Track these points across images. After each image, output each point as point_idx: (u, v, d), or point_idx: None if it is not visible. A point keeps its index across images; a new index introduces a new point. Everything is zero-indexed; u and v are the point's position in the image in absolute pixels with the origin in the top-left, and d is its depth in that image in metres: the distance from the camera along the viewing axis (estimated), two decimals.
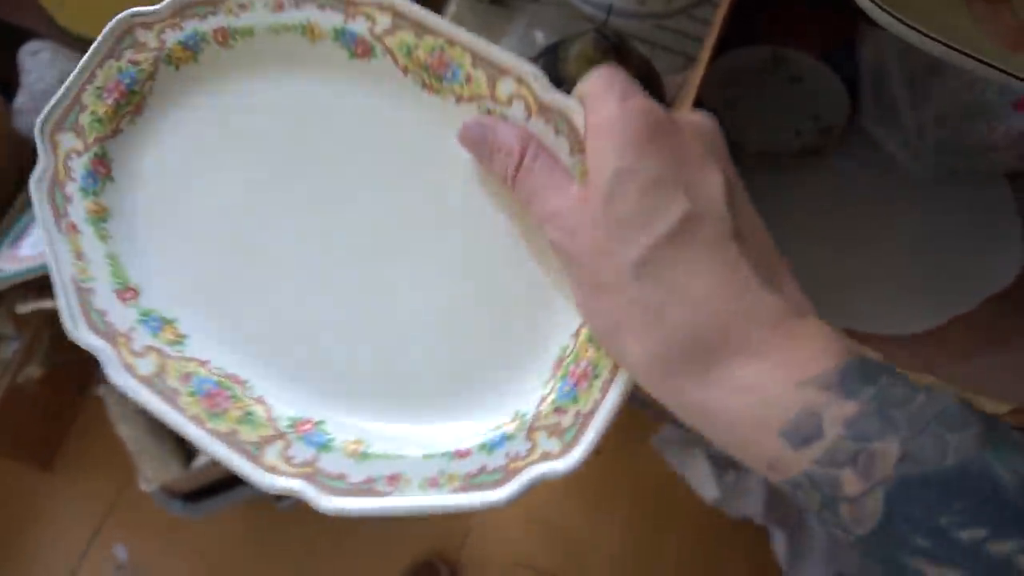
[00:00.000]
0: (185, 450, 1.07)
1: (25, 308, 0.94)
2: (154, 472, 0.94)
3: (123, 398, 1.01)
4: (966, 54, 0.39)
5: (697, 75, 0.66)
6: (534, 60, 0.83)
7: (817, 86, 0.81)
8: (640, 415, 1.26)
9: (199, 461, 1.04)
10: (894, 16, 0.40)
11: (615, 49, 0.76)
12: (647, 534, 1.26)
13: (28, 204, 1.06)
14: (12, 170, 1.08)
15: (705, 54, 0.68)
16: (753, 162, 0.77)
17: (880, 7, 0.40)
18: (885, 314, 0.64)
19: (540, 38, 0.91)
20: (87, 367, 1.26)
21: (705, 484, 1.21)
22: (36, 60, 1.03)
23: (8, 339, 1.07)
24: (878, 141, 0.78)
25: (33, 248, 0.97)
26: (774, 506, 1.16)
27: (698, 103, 0.64)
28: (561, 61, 0.79)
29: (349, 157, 0.38)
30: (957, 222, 0.71)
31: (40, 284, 0.97)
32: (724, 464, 1.21)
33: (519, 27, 0.91)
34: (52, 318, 1.09)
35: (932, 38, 0.39)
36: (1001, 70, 0.39)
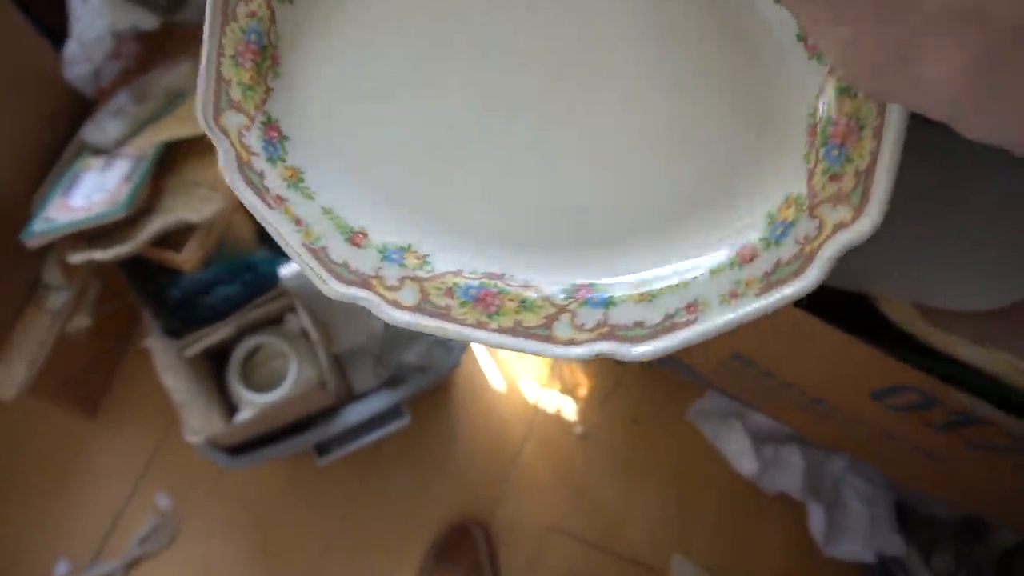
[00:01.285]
0: (228, 404, 1.09)
1: (76, 258, 0.95)
2: (200, 423, 0.96)
3: (170, 350, 1.03)
4: None
5: None
6: None
7: None
8: (679, 383, 1.25)
9: (242, 415, 1.05)
10: None
11: None
12: (682, 505, 1.25)
13: (79, 154, 1.06)
14: (62, 120, 1.08)
15: None
16: None
17: None
18: (957, 288, 0.62)
19: None
20: (133, 316, 1.27)
21: (743, 457, 1.20)
22: (87, 8, 1.02)
23: (58, 289, 1.09)
24: None
25: (85, 199, 0.98)
26: (812, 481, 1.15)
27: None
28: None
29: (523, 29, 0.35)
30: None
31: (90, 235, 0.98)
32: (763, 437, 1.19)
33: None
34: (100, 269, 1.10)
35: None
36: None
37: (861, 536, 1.09)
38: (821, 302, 0.66)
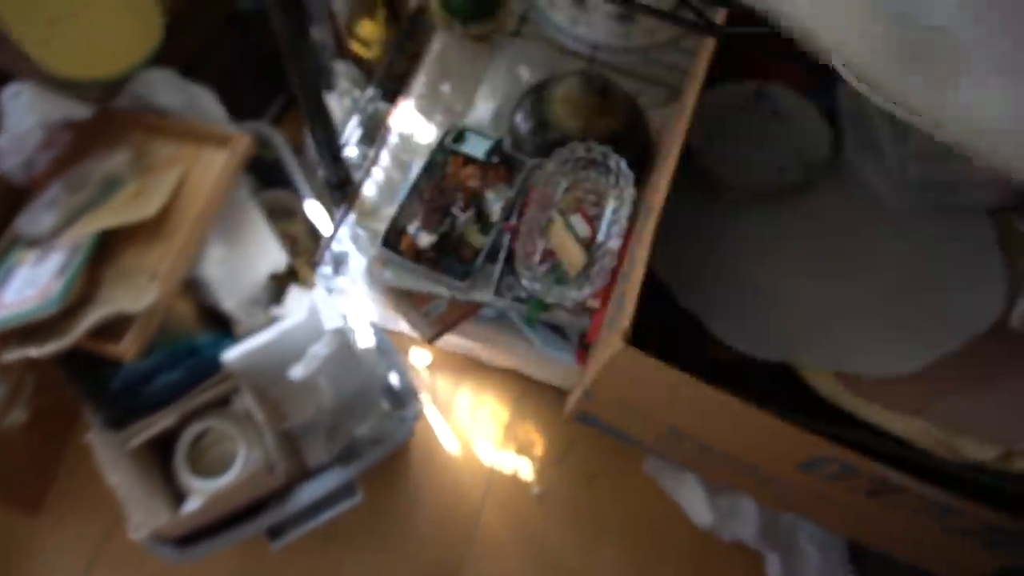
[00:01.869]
0: (175, 493, 1.06)
1: (10, 356, 0.93)
2: (145, 518, 0.93)
3: (112, 443, 1.00)
4: None
5: (685, 114, 0.66)
6: (519, 100, 0.84)
7: (800, 122, 0.82)
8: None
9: (190, 504, 1.03)
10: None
11: (600, 92, 0.77)
12: (642, 559, 1.26)
13: (12, 247, 1.04)
14: None
15: (692, 92, 0.68)
16: (737, 197, 0.78)
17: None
18: (872, 355, 0.65)
19: (525, 74, 0.91)
20: (72, 408, 1.24)
21: (698, 509, 1.21)
22: (17, 102, 1.02)
23: None
24: (860, 176, 0.79)
25: (17, 294, 0.96)
26: (767, 530, 1.16)
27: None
28: (546, 103, 0.80)
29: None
30: (940, 257, 0.72)
31: (24, 330, 0.96)
32: (718, 488, 1.21)
33: (502, 63, 0.92)
34: (36, 360, 1.08)
35: None
36: None
37: None
38: (754, 374, 0.69)
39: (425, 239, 0.70)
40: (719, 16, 0.49)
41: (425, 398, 1.29)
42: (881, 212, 0.77)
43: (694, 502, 1.22)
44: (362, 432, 1.15)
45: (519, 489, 1.28)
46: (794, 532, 1.16)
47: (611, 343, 0.57)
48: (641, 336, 0.80)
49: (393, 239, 0.73)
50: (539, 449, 1.31)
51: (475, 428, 1.32)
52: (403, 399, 1.13)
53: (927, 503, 0.56)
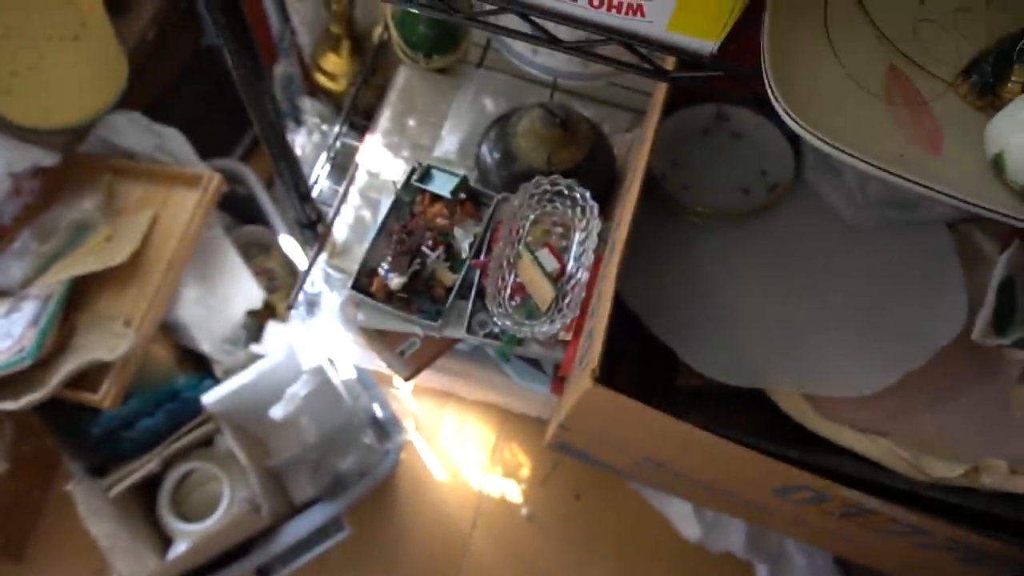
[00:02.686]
0: (162, 539, 1.05)
1: None
2: (129, 568, 0.93)
3: (94, 491, 1.00)
4: (887, 171, 0.41)
5: (646, 145, 0.67)
6: (484, 133, 0.84)
7: (761, 142, 0.83)
8: None
9: (175, 549, 1.02)
10: (811, 133, 0.41)
11: (562, 124, 0.77)
12: (634, 572, 1.26)
13: None
14: None
15: (651, 125, 0.69)
16: (702, 220, 0.79)
17: (797, 123, 0.41)
18: (839, 375, 0.66)
19: (489, 105, 0.92)
20: (54, 453, 1.23)
21: (685, 521, 1.22)
22: None
23: None
24: (822, 195, 0.80)
25: None
26: (755, 541, 1.17)
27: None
28: (510, 136, 0.81)
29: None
30: (902, 272, 0.73)
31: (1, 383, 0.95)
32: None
33: (467, 95, 0.93)
34: (12, 412, 1.07)
35: (851, 155, 0.41)
36: (922, 184, 0.40)
37: None
38: (728, 398, 0.70)
39: (396, 280, 0.71)
40: (668, 62, 0.50)
41: (409, 425, 1.29)
42: (843, 230, 0.78)
43: (682, 516, 1.23)
44: (347, 465, 1.15)
45: (508, 512, 1.29)
46: (782, 541, 1.17)
47: (582, 381, 0.58)
48: (616, 360, 0.81)
49: (363, 281, 0.73)
50: (526, 470, 1.32)
51: (461, 453, 1.32)
52: (388, 430, 1.13)
53: (899, 524, 0.57)
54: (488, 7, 0.48)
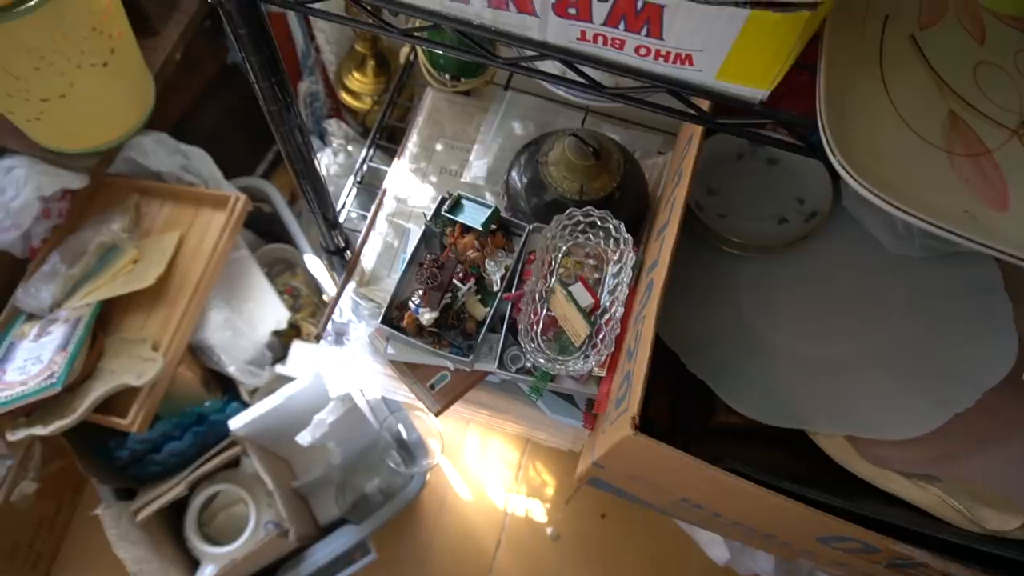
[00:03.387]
0: (189, 560, 1.05)
1: (16, 436, 0.93)
2: None
3: (121, 515, 1.00)
4: (952, 231, 0.39)
5: (685, 178, 0.65)
6: (514, 159, 0.83)
7: (798, 168, 0.81)
8: None
9: (203, 572, 1.02)
10: (878, 195, 0.39)
11: (595, 153, 0.76)
12: None
13: (13, 321, 1.04)
14: None
15: (691, 153, 0.67)
16: (739, 250, 0.77)
17: (861, 184, 0.40)
18: (883, 417, 0.64)
19: (518, 128, 0.91)
20: (80, 475, 1.23)
21: (713, 544, 1.20)
22: (10, 177, 1.02)
23: (1, 458, 1.06)
24: (862, 223, 0.78)
25: (20, 371, 0.95)
26: (785, 564, 1.15)
27: None
28: (540, 164, 0.79)
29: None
30: (947, 306, 0.71)
31: (29, 407, 0.96)
32: None
33: (495, 118, 0.91)
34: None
35: (921, 218, 0.39)
36: (993, 247, 0.38)
37: None
38: (769, 436, 0.68)
39: (427, 316, 0.69)
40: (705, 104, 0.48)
41: (435, 445, 1.28)
42: (885, 260, 0.75)
43: (710, 538, 1.20)
44: (373, 487, 1.15)
45: (533, 531, 1.28)
46: (813, 568, 1.14)
47: (620, 426, 0.57)
48: (650, 394, 0.79)
49: (394, 315, 0.72)
50: (551, 489, 1.31)
51: (486, 472, 1.31)
52: (414, 453, 1.12)
53: None
54: (529, 53, 0.46)
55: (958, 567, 0.53)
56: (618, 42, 0.43)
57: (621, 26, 0.41)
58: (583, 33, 0.43)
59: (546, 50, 0.45)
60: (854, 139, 0.41)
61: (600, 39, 0.43)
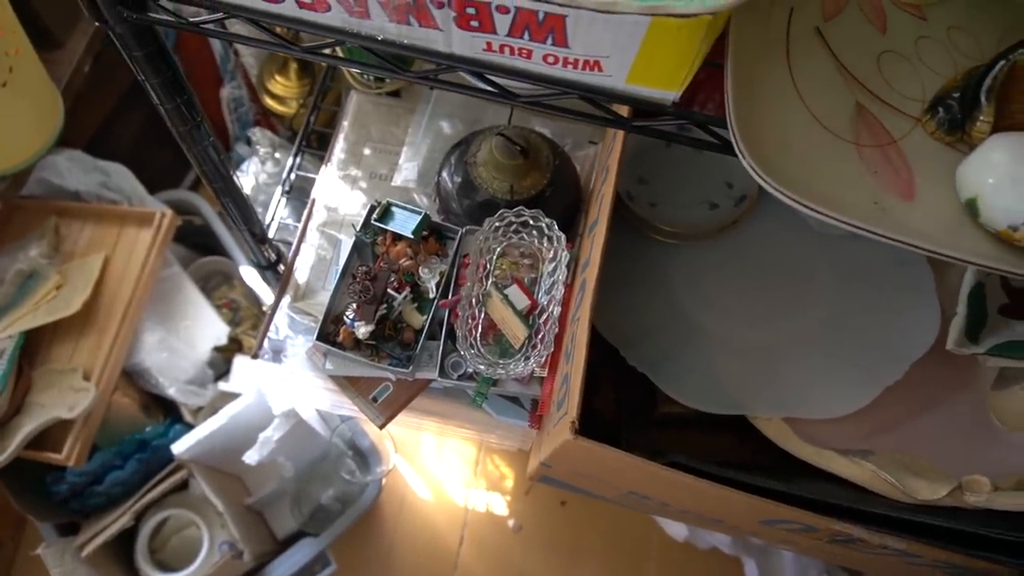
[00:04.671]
0: None
1: None
2: None
3: (65, 552, 0.96)
4: (864, 228, 0.39)
5: (612, 173, 0.65)
6: (443, 160, 0.82)
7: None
8: None
9: None
10: (783, 193, 0.40)
11: (523, 152, 0.75)
12: (624, 573, 1.27)
13: None
14: None
15: (616, 149, 0.67)
16: (671, 239, 0.77)
17: (767, 182, 0.40)
18: (818, 397, 0.65)
19: (446, 128, 0.89)
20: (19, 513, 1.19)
21: (672, 523, 1.22)
22: None
23: None
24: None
25: None
26: (740, 539, 1.18)
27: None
28: (469, 164, 0.78)
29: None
30: (874, 282, 0.73)
31: None
32: None
33: (421, 118, 0.89)
34: None
35: (826, 214, 0.39)
36: (899, 240, 0.39)
37: None
38: (711, 423, 0.69)
39: (363, 330, 0.68)
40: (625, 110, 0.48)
41: (389, 446, 1.27)
42: (813, 240, 0.77)
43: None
44: (328, 497, 1.13)
45: (495, 525, 1.28)
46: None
47: (561, 429, 0.57)
48: (595, 386, 0.79)
49: (329, 330, 0.70)
50: (510, 481, 1.31)
51: (444, 470, 1.31)
52: (367, 457, 1.11)
53: (888, 548, 0.57)
54: (438, 65, 0.45)
55: (893, 539, 0.55)
56: (525, 52, 0.42)
57: (526, 36, 0.41)
58: (489, 44, 0.42)
59: (453, 62, 0.44)
60: (763, 135, 0.41)
61: (507, 49, 0.42)
